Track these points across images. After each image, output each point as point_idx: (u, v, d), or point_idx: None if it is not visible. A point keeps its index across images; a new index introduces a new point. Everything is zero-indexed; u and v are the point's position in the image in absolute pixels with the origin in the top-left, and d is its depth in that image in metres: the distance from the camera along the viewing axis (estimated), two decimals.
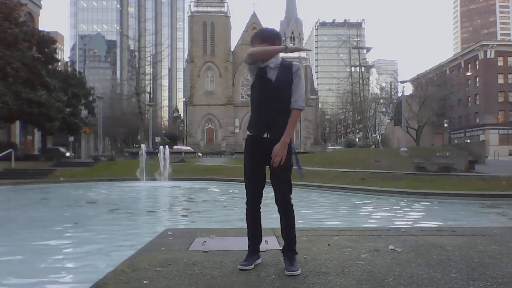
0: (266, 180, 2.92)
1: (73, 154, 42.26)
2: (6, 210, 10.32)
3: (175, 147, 51.58)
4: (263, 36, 2.87)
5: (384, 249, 3.34)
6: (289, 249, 2.83)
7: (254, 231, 2.93)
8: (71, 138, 39.51)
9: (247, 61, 2.81)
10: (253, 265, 2.81)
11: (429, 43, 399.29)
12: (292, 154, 2.85)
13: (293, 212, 2.87)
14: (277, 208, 2.87)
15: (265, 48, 2.78)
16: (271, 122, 2.80)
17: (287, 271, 2.66)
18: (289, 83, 2.82)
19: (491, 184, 12.24)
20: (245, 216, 2.97)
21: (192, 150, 46.11)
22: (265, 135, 2.81)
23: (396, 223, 7.16)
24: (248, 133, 2.93)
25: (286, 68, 2.85)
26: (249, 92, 2.95)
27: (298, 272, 2.65)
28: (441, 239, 3.81)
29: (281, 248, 2.93)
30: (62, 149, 39.50)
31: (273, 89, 2.80)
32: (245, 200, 2.98)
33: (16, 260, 4.67)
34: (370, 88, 58.93)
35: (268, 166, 2.87)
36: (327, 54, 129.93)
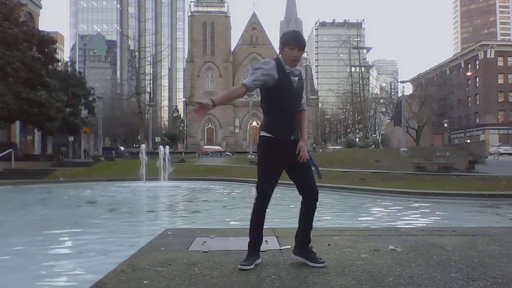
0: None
1: (128, 153, 42.21)
2: (6, 210, 10.32)
3: (205, 147, 52.04)
4: (303, 45, 2.87)
5: (384, 249, 3.34)
6: (308, 246, 2.94)
7: (258, 231, 2.94)
8: (71, 138, 39.46)
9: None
10: (253, 265, 2.81)
11: (429, 43, 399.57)
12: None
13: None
14: (303, 202, 2.99)
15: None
16: (294, 125, 2.95)
17: (314, 263, 2.83)
18: (302, 91, 3.03)
19: (491, 184, 12.23)
20: (250, 216, 2.95)
21: (223, 150, 46.49)
22: (292, 138, 2.91)
23: (396, 223, 7.16)
24: (266, 134, 2.87)
25: (300, 75, 3.00)
26: (250, 93, 2.99)
27: (325, 264, 2.84)
28: (441, 239, 3.81)
29: (297, 245, 2.96)
30: (122, 148, 39.27)
31: (295, 94, 2.94)
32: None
33: (16, 260, 4.66)
34: (370, 88, 58.94)
35: (286, 167, 2.96)
36: (327, 54, 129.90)
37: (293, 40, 2.84)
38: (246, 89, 2.75)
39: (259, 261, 2.90)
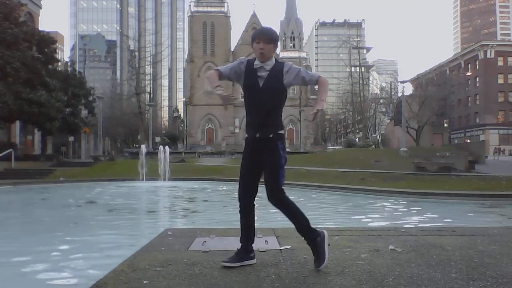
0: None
1: (210, 147, 41.78)
2: (6, 210, 10.32)
3: None
4: (268, 37, 2.89)
5: (384, 249, 3.34)
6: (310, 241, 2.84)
7: (243, 229, 2.92)
8: (71, 138, 39.48)
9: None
10: (237, 264, 2.78)
11: (429, 43, 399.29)
12: (281, 155, 2.86)
13: (286, 206, 2.86)
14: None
15: (210, 76, 2.93)
16: (262, 122, 2.87)
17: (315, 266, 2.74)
18: (278, 86, 2.88)
19: (491, 184, 12.25)
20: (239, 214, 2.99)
21: None
22: (257, 135, 2.88)
23: (396, 223, 7.16)
24: (246, 134, 3.01)
25: (277, 71, 2.88)
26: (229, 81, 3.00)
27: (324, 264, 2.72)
28: (441, 239, 3.81)
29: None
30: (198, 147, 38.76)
31: (262, 92, 2.86)
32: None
33: (15, 260, 4.66)
34: (370, 88, 58.94)
35: (258, 164, 2.92)
36: (327, 54, 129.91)
37: (257, 34, 2.91)
38: (219, 72, 2.92)
39: (251, 262, 2.86)
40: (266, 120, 2.87)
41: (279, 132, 2.89)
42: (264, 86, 2.86)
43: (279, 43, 3.17)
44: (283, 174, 2.87)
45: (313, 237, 2.82)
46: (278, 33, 3.03)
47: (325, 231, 2.87)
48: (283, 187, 2.86)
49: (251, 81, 2.89)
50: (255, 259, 2.91)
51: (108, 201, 11.87)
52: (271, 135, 2.86)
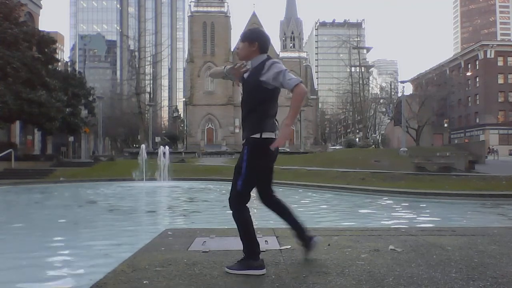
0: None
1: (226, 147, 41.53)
2: (6, 210, 10.32)
3: None
4: (243, 36, 2.86)
5: (384, 249, 3.34)
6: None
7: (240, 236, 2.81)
8: (71, 138, 39.48)
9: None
10: (242, 271, 2.73)
11: (429, 43, 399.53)
12: (245, 162, 2.67)
13: (237, 217, 2.73)
14: None
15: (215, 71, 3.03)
16: (243, 124, 2.79)
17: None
18: (255, 84, 2.71)
19: (491, 184, 12.25)
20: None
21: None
22: (243, 141, 2.80)
23: (396, 223, 7.16)
24: None
25: (257, 69, 2.74)
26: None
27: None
28: (441, 239, 3.81)
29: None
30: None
31: (244, 91, 2.81)
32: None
33: (15, 261, 4.66)
34: (370, 88, 58.94)
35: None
36: (327, 54, 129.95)
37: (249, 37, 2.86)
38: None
39: (255, 272, 2.62)
40: (246, 122, 2.75)
41: (252, 136, 2.66)
42: (244, 85, 2.80)
43: (271, 42, 2.89)
44: (245, 183, 2.70)
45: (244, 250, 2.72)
46: (265, 33, 2.85)
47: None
48: (244, 197, 2.71)
49: (241, 81, 2.87)
50: (264, 269, 2.66)
51: (108, 201, 11.87)
52: (243, 140, 2.73)
